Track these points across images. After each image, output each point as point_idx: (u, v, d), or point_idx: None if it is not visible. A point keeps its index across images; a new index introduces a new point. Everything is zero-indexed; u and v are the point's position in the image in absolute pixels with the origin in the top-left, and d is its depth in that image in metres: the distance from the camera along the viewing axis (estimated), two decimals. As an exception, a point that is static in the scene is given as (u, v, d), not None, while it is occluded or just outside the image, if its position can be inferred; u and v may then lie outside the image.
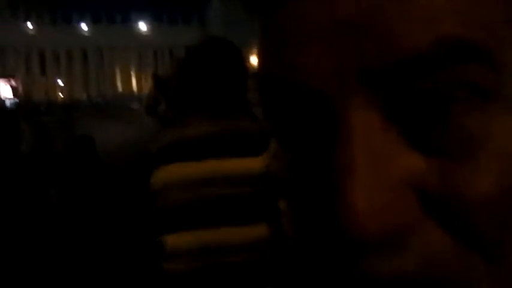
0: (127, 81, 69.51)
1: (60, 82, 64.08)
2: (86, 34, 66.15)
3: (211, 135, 1.58)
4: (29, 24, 62.76)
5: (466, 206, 0.23)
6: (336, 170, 0.23)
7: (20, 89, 50.17)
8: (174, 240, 1.58)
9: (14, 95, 42.27)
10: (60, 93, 61.85)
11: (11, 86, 48.60)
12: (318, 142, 0.25)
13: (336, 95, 0.24)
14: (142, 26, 70.56)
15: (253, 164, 1.53)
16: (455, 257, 0.24)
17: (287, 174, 0.27)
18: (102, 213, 5.42)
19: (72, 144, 5.40)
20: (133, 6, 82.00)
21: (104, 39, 65.97)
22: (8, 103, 21.34)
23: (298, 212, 0.27)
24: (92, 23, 67.29)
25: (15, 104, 17.79)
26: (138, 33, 69.97)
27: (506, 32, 0.23)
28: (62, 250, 3.98)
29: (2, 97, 39.15)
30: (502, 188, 0.23)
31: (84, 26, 66.63)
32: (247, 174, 1.54)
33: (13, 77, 51.39)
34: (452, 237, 0.24)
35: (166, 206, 1.60)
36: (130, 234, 5.33)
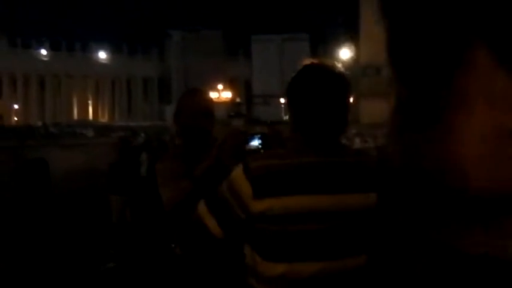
0: (83, 109, 69.66)
1: (16, 106, 63.98)
2: (45, 60, 66.53)
3: (323, 167, 1.56)
4: (-13, 48, 62.81)
5: None
6: (449, 101, 0.21)
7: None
8: (292, 269, 1.55)
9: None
10: (15, 118, 61.75)
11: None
12: (437, 73, 0.24)
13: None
14: (102, 55, 71.43)
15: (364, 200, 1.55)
16: None
17: (401, 109, 0.26)
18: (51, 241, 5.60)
19: (25, 166, 5.24)
20: (94, 35, 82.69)
21: (62, 66, 66.31)
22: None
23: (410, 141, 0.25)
24: (51, 49, 67.63)
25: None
26: (97, 62, 70.55)
27: None
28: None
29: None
30: None
31: (43, 52, 67.12)
32: (359, 210, 1.55)
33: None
34: None
35: (288, 236, 1.55)
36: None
